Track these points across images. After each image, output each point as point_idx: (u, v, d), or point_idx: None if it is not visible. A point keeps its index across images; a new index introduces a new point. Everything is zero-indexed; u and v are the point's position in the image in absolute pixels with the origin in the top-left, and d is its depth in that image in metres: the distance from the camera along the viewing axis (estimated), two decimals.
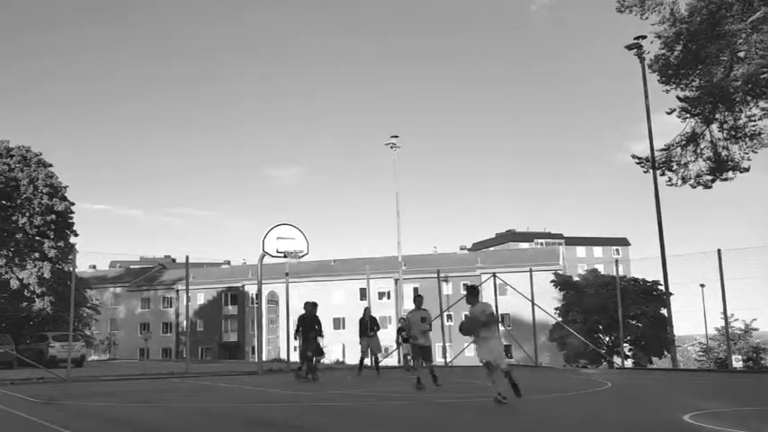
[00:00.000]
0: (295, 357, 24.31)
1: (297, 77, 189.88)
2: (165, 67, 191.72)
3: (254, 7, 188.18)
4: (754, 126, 27.75)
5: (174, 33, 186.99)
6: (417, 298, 17.57)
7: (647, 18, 28.53)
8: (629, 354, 42.80)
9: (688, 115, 28.89)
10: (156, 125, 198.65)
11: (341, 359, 61.53)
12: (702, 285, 30.01)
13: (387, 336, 70.85)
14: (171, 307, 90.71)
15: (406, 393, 15.46)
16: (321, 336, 20.89)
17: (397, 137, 52.86)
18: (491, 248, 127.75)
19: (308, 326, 20.63)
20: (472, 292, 12.79)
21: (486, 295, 21.80)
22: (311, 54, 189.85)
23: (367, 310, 24.68)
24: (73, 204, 52.07)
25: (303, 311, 20.95)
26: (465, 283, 75.43)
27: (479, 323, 12.17)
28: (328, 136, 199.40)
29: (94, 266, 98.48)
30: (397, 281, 70.73)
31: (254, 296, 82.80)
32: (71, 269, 31.89)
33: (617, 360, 35.04)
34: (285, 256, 24.97)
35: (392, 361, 52.73)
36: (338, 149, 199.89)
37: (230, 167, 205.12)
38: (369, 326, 23.94)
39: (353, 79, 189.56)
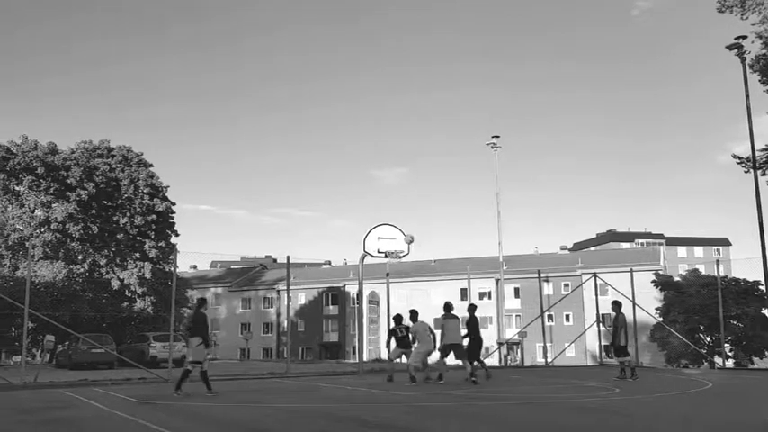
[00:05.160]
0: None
1: (403, 78, 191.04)
2: (267, 66, 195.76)
3: (362, 10, 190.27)
4: None
5: (278, 32, 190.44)
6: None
7: (746, 18, 28.30)
8: (730, 354, 42.31)
9: None
10: (261, 125, 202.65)
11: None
12: None
13: (486, 336, 71.17)
14: (272, 307, 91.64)
15: (506, 394, 15.84)
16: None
17: (497, 137, 52.81)
18: (591, 248, 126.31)
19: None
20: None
21: (587, 295, 21.99)
22: (416, 55, 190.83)
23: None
24: (174, 204, 51.91)
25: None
26: (566, 283, 74.92)
27: None
28: (434, 137, 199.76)
29: (195, 266, 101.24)
30: (497, 281, 70.74)
31: (355, 296, 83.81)
32: (172, 269, 32.06)
33: (718, 360, 34.71)
34: (386, 256, 25.01)
35: (493, 361, 53.02)
36: (442, 150, 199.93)
37: (336, 168, 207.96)
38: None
39: (458, 79, 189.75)
